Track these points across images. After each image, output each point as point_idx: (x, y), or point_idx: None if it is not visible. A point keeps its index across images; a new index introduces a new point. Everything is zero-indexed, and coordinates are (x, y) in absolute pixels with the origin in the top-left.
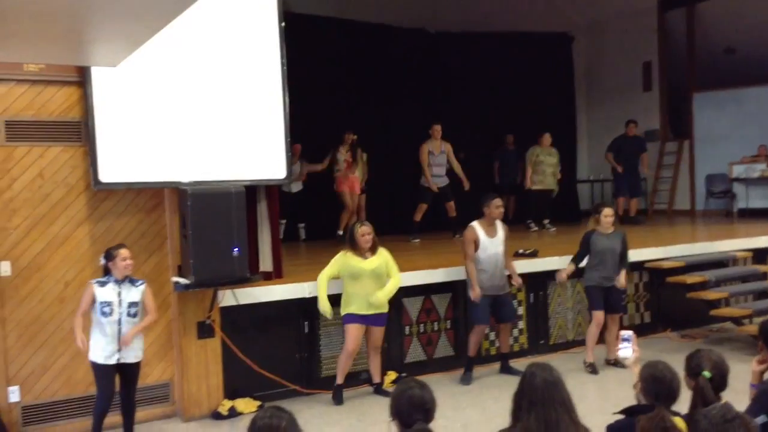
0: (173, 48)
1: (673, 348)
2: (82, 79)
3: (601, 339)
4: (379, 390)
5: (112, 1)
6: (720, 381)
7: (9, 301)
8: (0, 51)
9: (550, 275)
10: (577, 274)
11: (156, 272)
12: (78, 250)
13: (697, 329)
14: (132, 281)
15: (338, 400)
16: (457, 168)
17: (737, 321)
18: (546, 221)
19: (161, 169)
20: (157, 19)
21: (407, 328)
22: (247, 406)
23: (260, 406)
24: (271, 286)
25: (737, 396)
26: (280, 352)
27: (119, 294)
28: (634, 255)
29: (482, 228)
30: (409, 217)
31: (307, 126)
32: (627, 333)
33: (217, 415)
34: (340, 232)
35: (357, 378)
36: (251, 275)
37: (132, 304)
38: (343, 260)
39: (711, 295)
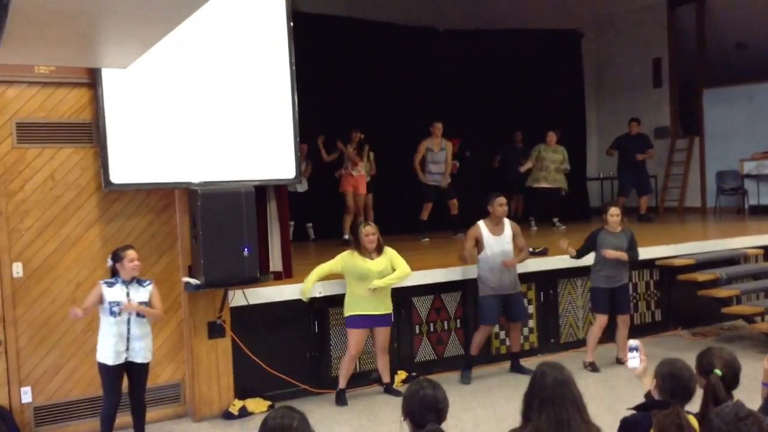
0: (183, 49)
1: (684, 346)
2: (92, 80)
3: (611, 338)
4: (389, 389)
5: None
6: (732, 379)
7: (21, 302)
8: (12, 53)
9: (561, 274)
10: (584, 273)
11: (167, 273)
12: (89, 251)
13: (709, 327)
14: (140, 282)
15: (341, 403)
16: (448, 166)
17: (749, 319)
18: (555, 219)
19: (171, 169)
20: (167, 21)
21: (417, 327)
22: (257, 405)
23: (271, 406)
24: (281, 286)
25: (749, 394)
26: (291, 352)
27: (128, 294)
28: (645, 253)
29: (487, 227)
30: (417, 216)
31: (316, 125)
32: (635, 343)
33: (227, 415)
34: (346, 236)
35: (367, 377)
36: (261, 275)
37: (140, 304)
38: (349, 259)
39: (722, 292)
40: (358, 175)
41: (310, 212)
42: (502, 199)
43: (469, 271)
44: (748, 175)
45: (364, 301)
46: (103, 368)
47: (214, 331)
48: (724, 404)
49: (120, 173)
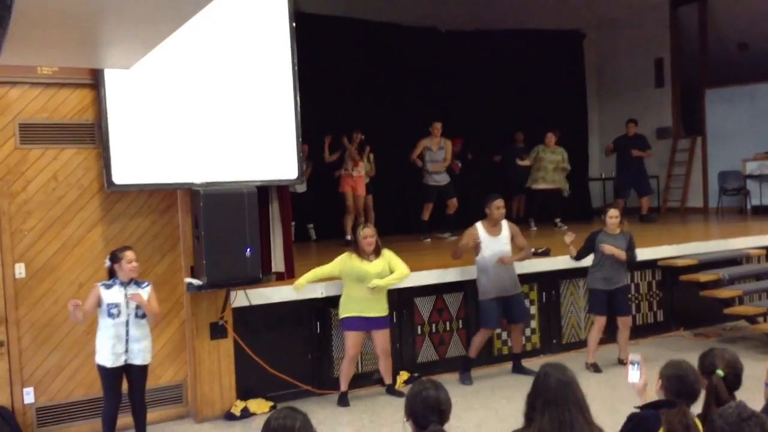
0: (185, 50)
1: (686, 347)
2: (95, 81)
3: (612, 339)
4: (391, 390)
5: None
6: (734, 380)
7: (23, 303)
8: (15, 54)
9: (563, 274)
10: (586, 273)
11: (169, 273)
12: (92, 252)
13: (711, 328)
14: (138, 283)
15: (343, 404)
16: (446, 162)
17: (751, 319)
18: (557, 220)
19: (174, 170)
20: (170, 22)
21: (419, 328)
22: (259, 406)
23: (273, 407)
24: (283, 287)
25: (752, 395)
26: (293, 353)
27: (126, 296)
28: (648, 253)
29: (485, 228)
30: (418, 216)
31: (318, 125)
32: (636, 357)
33: (229, 416)
34: (348, 237)
35: (369, 378)
36: (263, 276)
37: (139, 306)
38: (347, 261)
39: (724, 293)
40: (358, 176)
41: (310, 213)
42: (499, 202)
43: (471, 272)
44: (750, 176)
45: (359, 303)
46: (102, 370)
47: (216, 331)
48: (726, 405)
49: (122, 174)
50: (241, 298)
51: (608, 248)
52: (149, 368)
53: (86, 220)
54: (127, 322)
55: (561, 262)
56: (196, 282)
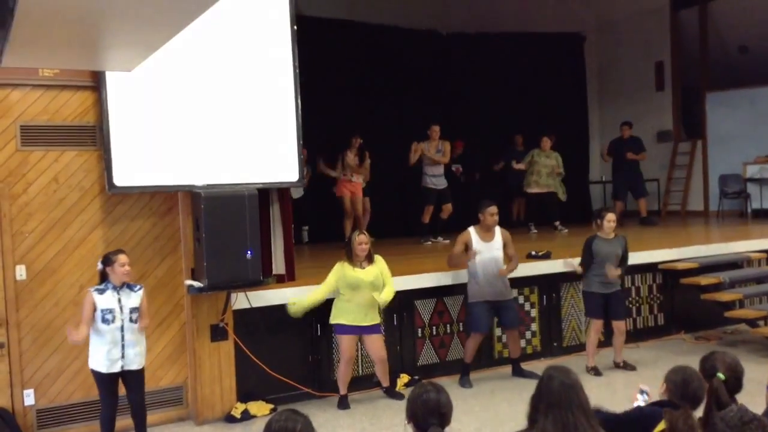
0: (187, 52)
1: (687, 350)
2: (96, 83)
3: (611, 343)
4: (390, 393)
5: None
6: (734, 383)
7: (24, 305)
8: (17, 56)
9: (563, 277)
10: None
11: (169, 275)
12: (92, 254)
13: (712, 331)
14: (130, 287)
15: (343, 407)
16: (442, 159)
17: (752, 323)
18: (557, 223)
19: (175, 172)
20: (172, 25)
21: (419, 331)
22: (259, 409)
23: (273, 409)
24: (283, 289)
25: (753, 398)
26: (293, 355)
27: (119, 300)
28: (648, 256)
29: (477, 233)
30: (418, 219)
31: (318, 128)
32: (645, 387)
33: (230, 418)
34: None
35: (369, 381)
36: (264, 278)
37: (133, 310)
38: (340, 270)
39: (725, 296)
40: (356, 181)
41: (305, 215)
42: (493, 209)
43: None
44: (750, 179)
45: (352, 311)
46: (98, 375)
47: (217, 333)
48: (728, 408)
49: (123, 176)
50: (241, 300)
51: (613, 273)
52: (148, 370)
53: (87, 223)
54: (122, 327)
55: (562, 265)
56: (196, 284)
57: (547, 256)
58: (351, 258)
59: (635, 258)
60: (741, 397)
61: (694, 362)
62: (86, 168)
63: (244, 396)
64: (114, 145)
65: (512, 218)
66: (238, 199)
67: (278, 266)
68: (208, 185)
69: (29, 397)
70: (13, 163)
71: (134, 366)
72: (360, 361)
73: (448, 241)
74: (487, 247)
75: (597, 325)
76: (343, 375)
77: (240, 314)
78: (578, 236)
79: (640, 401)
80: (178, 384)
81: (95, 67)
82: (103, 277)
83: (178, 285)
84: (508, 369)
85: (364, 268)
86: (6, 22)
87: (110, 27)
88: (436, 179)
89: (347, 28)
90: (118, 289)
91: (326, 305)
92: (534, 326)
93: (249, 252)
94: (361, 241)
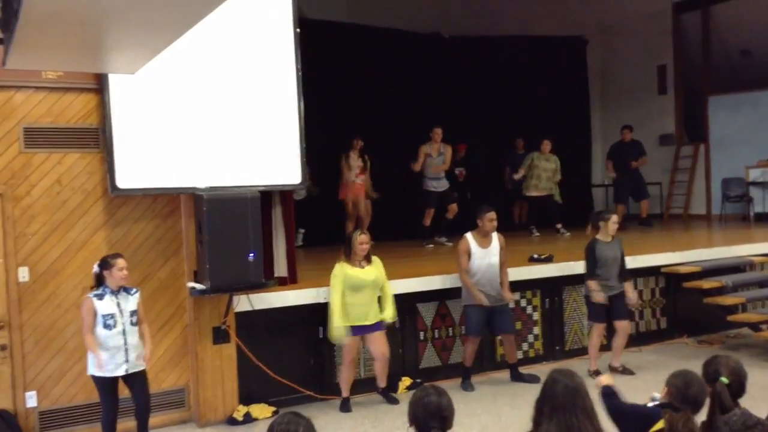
0: (190, 55)
1: (689, 354)
2: (99, 86)
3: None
4: (385, 394)
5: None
6: (738, 387)
7: (27, 307)
8: (21, 59)
9: (566, 280)
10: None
11: (172, 278)
12: (95, 256)
13: (714, 335)
14: (127, 290)
15: (346, 410)
16: (445, 165)
17: (754, 327)
18: (559, 226)
19: (177, 174)
20: (176, 28)
21: (422, 334)
22: (261, 411)
23: (275, 412)
24: (285, 292)
25: (756, 403)
26: (295, 358)
27: (118, 305)
28: (651, 260)
29: (475, 239)
30: (419, 222)
31: (321, 130)
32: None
33: (232, 421)
34: None
35: (371, 384)
36: (266, 280)
37: (132, 313)
38: (343, 272)
39: (728, 300)
40: (359, 183)
41: (301, 218)
42: (492, 215)
43: None
44: (753, 183)
45: (353, 312)
46: (99, 380)
47: (219, 336)
48: (731, 412)
49: (126, 178)
50: (243, 302)
51: (597, 297)
52: (150, 372)
53: (90, 224)
54: (124, 331)
55: (564, 268)
56: (199, 286)
57: (549, 260)
58: (350, 257)
59: (638, 262)
60: (744, 401)
61: (696, 366)
62: (89, 170)
63: (246, 398)
64: (117, 147)
65: (513, 221)
66: (240, 202)
67: (280, 269)
68: (210, 187)
69: (31, 399)
70: (16, 165)
71: (138, 368)
72: (362, 363)
73: (451, 244)
74: (485, 253)
75: (600, 329)
76: (345, 377)
77: (242, 317)
78: (580, 239)
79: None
80: (180, 386)
81: (99, 69)
82: (99, 280)
83: (181, 287)
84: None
85: (363, 267)
86: (10, 24)
87: (114, 29)
88: (436, 182)
89: (349, 30)
90: (116, 293)
91: (328, 308)
92: (536, 330)
93: (251, 254)
94: (363, 240)
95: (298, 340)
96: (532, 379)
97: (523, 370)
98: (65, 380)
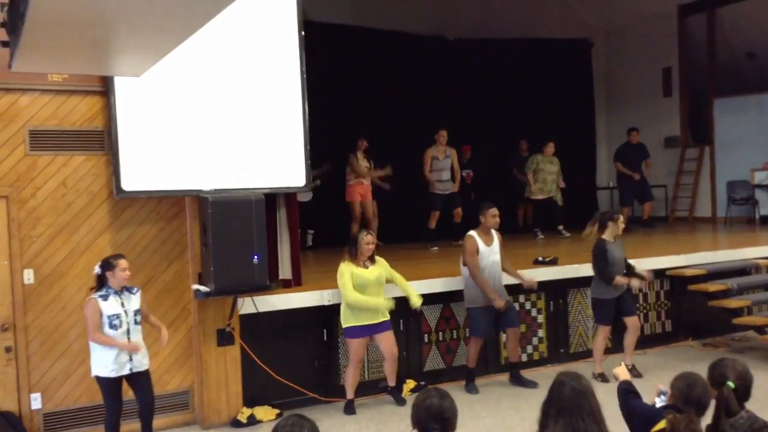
0: (195, 57)
1: (694, 357)
2: (105, 88)
3: (618, 349)
4: (394, 394)
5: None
6: (744, 392)
7: (31, 309)
8: (27, 62)
9: (570, 283)
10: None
11: (176, 280)
12: (100, 258)
13: (719, 338)
14: (128, 290)
15: (350, 412)
16: (456, 173)
17: (760, 330)
18: (561, 227)
19: (182, 177)
20: (181, 31)
21: (426, 337)
22: (266, 414)
23: (279, 414)
24: (290, 294)
25: (761, 406)
26: (299, 360)
27: (122, 305)
28: (656, 263)
29: (480, 237)
30: (424, 224)
31: (325, 133)
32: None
33: (236, 423)
34: None
35: (375, 386)
36: (271, 283)
37: (136, 312)
38: (349, 270)
39: (733, 303)
40: (367, 184)
41: (310, 219)
42: (495, 210)
43: None
44: (758, 185)
45: (361, 312)
46: (104, 381)
47: (223, 338)
48: (738, 416)
49: (131, 180)
50: (248, 305)
51: (633, 283)
52: (154, 374)
53: (95, 227)
54: (128, 331)
55: (568, 271)
56: (203, 289)
57: (553, 262)
58: (355, 256)
59: (643, 264)
60: (749, 405)
61: (701, 369)
62: (94, 172)
63: (250, 401)
64: (122, 149)
65: (518, 224)
66: (245, 204)
67: (285, 271)
68: (215, 190)
69: (36, 401)
70: (21, 167)
71: (142, 367)
72: (366, 365)
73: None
74: (489, 251)
75: (606, 331)
76: (351, 379)
77: (246, 319)
78: (585, 242)
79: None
80: (184, 388)
81: (105, 72)
82: (101, 282)
83: (185, 289)
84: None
85: (367, 267)
86: (17, 27)
87: (120, 32)
88: (443, 184)
89: (354, 33)
90: (119, 293)
91: (334, 311)
92: (541, 332)
93: (256, 257)
94: (369, 240)
95: (303, 343)
96: (531, 384)
97: (528, 372)
98: (70, 382)
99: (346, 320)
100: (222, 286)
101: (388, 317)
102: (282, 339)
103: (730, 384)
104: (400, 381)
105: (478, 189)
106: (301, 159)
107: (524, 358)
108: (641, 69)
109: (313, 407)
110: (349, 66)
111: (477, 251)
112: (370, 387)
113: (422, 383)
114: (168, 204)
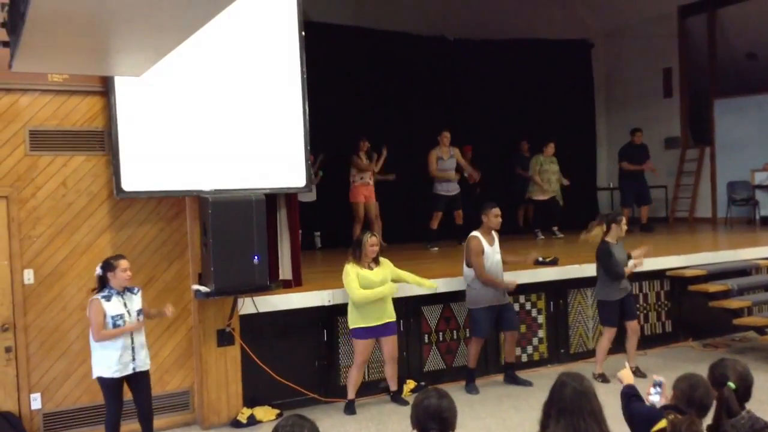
0: (195, 57)
1: (695, 357)
2: (105, 88)
3: (619, 349)
4: (396, 398)
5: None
6: (744, 392)
7: (31, 309)
8: (27, 62)
9: (571, 283)
10: (594, 283)
11: (177, 280)
12: (100, 258)
13: (719, 338)
14: (130, 290)
15: (350, 412)
16: (467, 166)
17: (760, 330)
18: (555, 228)
19: (182, 177)
20: (181, 31)
21: (426, 337)
22: (266, 414)
23: (279, 415)
24: (290, 294)
25: (761, 406)
26: (299, 360)
27: (125, 305)
28: (656, 263)
29: (483, 237)
30: (424, 224)
31: (325, 133)
32: (659, 379)
33: (236, 423)
34: None
35: (375, 387)
36: (271, 283)
37: (138, 312)
38: (355, 271)
39: (733, 303)
40: (371, 185)
41: (318, 221)
42: (497, 210)
43: None
44: (759, 186)
45: (368, 312)
46: (106, 381)
47: (224, 338)
48: (739, 416)
49: (131, 181)
50: (248, 305)
51: (635, 263)
52: (154, 375)
53: (95, 227)
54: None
55: (569, 271)
56: (203, 289)
57: (554, 263)
58: (359, 258)
59: (643, 265)
60: (750, 405)
61: (702, 369)
62: (94, 173)
63: (250, 401)
64: (122, 150)
65: (518, 224)
66: (245, 204)
67: (285, 271)
68: (215, 190)
69: (36, 401)
70: (21, 167)
71: (145, 367)
72: (367, 366)
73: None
74: (492, 251)
75: (611, 333)
76: (354, 379)
77: (246, 319)
78: (585, 243)
79: (654, 394)
80: (184, 389)
81: (105, 72)
82: (102, 283)
83: (185, 290)
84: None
85: (372, 269)
86: (17, 27)
87: (120, 32)
88: (448, 185)
89: (354, 34)
90: (121, 294)
91: (334, 311)
92: (541, 333)
93: (256, 257)
94: (373, 242)
95: (303, 343)
96: (526, 383)
97: (528, 373)
98: (69, 382)
99: (353, 321)
100: (222, 286)
101: (393, 318)
102: (282, 339)
103: (731, 384)
104: (401, 381)
105: (483, 185)
106: (301, 159)
107: (524, 358)
108: (641, 70)
109: (313, 407)
110: (349, 66)
111: (482, 252)
112: (371, 387)
113: (422, 384)
114: (168, 204)
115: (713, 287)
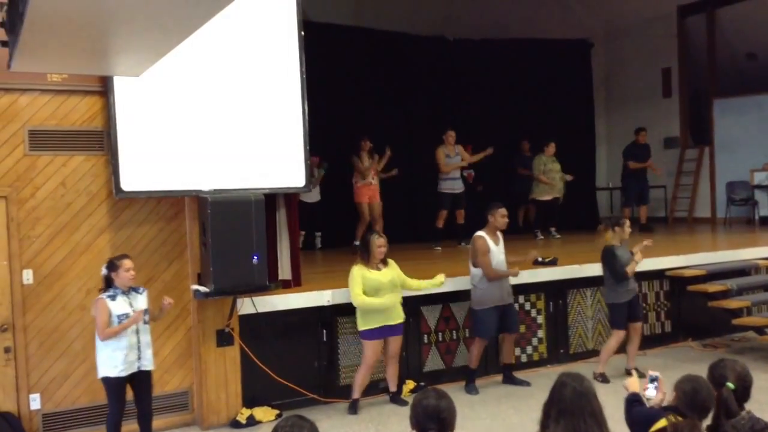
0: (195, 57)
1: (694, 357)
2: (104, 88)
3: (620, 350)
4: (395, 399)
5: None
6: (743, 392)
7: (31, 309)
8: (27, 62)
9: (570, 284)
10: (594, 283)
11: (176, 280)
12: (99, 259)
13: (719, 339)
14: (135, 290)
15: (354, 412)
16: (473, 158)
17: (759, 330)
18: (553, 229)
19: (182, 177)
20: (181, 30)
21: (426, 337)
22: (265, 414)
23: (279, 415)
24: (289, 294)
25: (761, 407)
26: (299, 361)
27: (130, 304)
28: (656, 263)
29: (489, 237)
30: (426, 224)
31: (325, 133)
32: (654, 374)
33: (235, 424)
34: (357, 242)
35: (375, 387)
36: (270, 283)
37: (145, 312)
38: (361, 274)
39: (733, 303)
40: (374, 185)
41: (319, 221)
42: (504, 211)
43: None
44: (758, 186)
45: (378, 314)
46: (111, 381)
47: (223, 339)
48: (739, 416)
49: (131, 181)
50: (247, 305)
51: (637, 258)
52: (154, 375)
53: (94, 227)
54: (137, 330)
55: (569, 271)
56: (203, 289)
57: (553, 263)
58: (368, 260)
59: (643, 265)
60: (749, 405)
61: (701, 370)
62: (94, 173)
63: (249, 401)
64: (121, 149)
65: (518, 224)
66: (244, 204)
67: (284, 271)
68: (214, 190)
69: (35, 402)
70: (21, 167)
71: (150, 366)
72: None
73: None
74: (498, 251)
75: (620, 335)
76: (361, 379)
77: (246, 319)
78: (585, 243)
79: (651, 389)
80: (183, 389)
81: (104, 72)
82: (108, 283)
83: (185, 290)
84: (517, 375)
85: (380, 270)
86: (16, 27)
87: (119, 32)
88: (454, 182)
89: (354, 33)
90: (126, 293)
91: (334, 311)
92: (540, 333)
93: (255, 257)
94: (381, 243)
95: (302, 343)
96: (524, 383)
97: (528, 373)
98: (69, 382)
99: (360, 323)
100: (221, 286)
101: (402, 319)
102: (281, 339)
103: (730, 385)
104: (400, 382)
105: (484, 184)
106: (300, 159)
107: (524, 358)
108: (641, 69)
109: (312, 408)
110: (349, 66)
111: (489, 251)
112: (371, 387)
113: (422, 384)
114: (167, 204)
115: (712, 287)
